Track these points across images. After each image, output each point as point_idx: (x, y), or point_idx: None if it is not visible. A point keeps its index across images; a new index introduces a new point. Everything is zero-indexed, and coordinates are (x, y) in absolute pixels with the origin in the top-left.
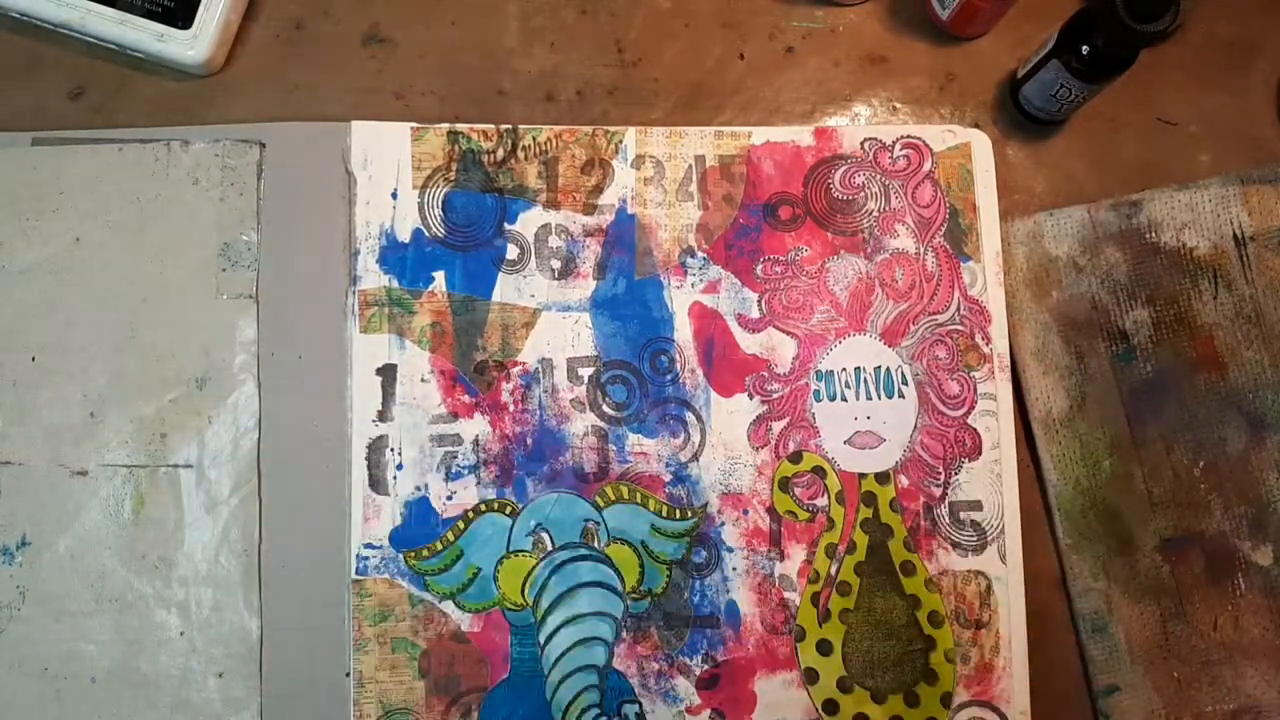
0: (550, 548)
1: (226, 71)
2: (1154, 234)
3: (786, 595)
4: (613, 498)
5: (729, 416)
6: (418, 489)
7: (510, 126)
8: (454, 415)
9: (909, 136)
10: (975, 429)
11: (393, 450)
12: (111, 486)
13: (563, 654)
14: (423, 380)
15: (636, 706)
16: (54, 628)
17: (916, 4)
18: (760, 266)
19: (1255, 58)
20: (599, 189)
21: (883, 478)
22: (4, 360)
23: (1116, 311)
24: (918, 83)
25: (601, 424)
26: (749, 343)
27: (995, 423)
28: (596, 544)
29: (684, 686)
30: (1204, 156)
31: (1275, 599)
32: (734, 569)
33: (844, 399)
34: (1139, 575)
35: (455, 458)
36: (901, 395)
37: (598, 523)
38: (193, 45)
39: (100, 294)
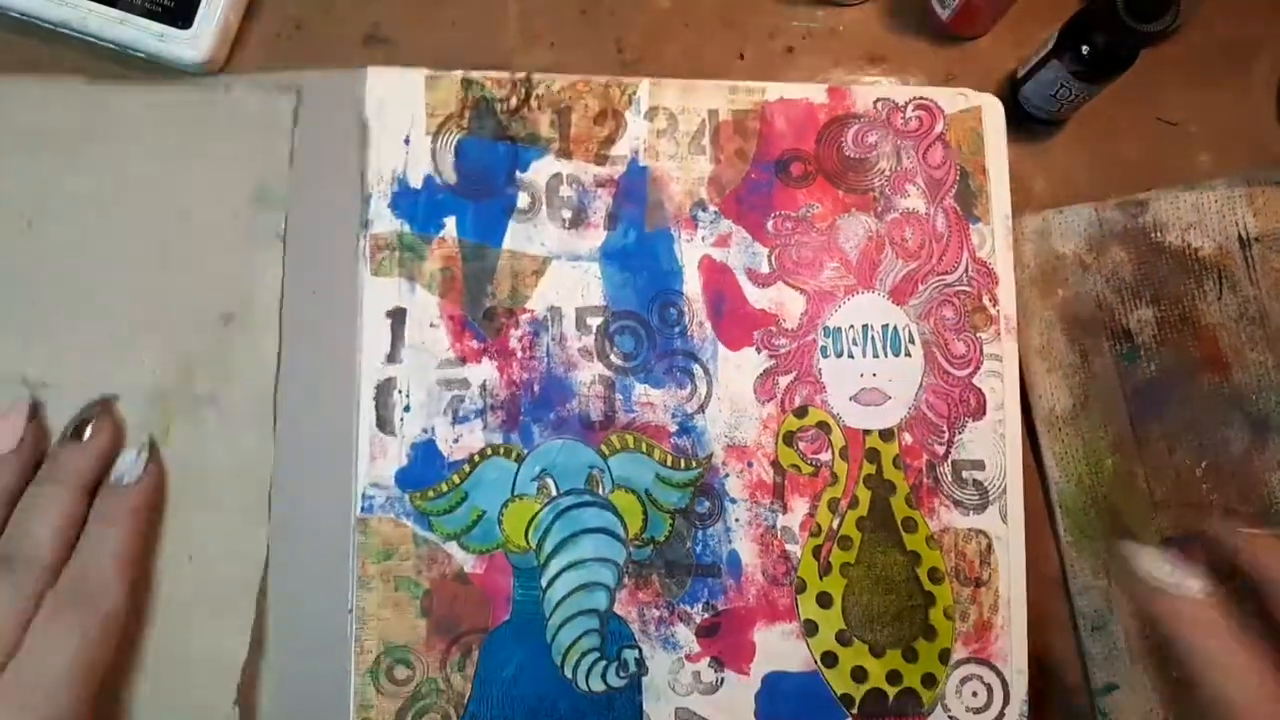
0: (555, 493)
1: (226, 71)
2: (1159, 234)
3: (788, 547)
4: (618, 446)
5: (736, 370)
6: (424, 431)
7: (524, 75)
8: (462, 360)
9: (921, 98)
10: (980, 389)
11: (400, 392)
12: (135, 420)
13: (564, 598)
14: (432, 325)
15: (636, 652)
16: None
17: (916, 4)
18: (771, 222)
19: (1255, 58)
20: (611, 140)
21: (887, 435)
22: (40, 291)
23: (1121, 310)
24: (918, 83)
25: (609, 373)
26: (758, 297)
27: (1000, 384)
28: (601, 491)
29: (684, 634)
30: (1204, 156)
31: None
32: (737, 520)
33: (851, 356)
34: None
35: (462, 401)
36: (908, 354)
37: (602, 470)
38: (193, 45)
39: (134, 230)
